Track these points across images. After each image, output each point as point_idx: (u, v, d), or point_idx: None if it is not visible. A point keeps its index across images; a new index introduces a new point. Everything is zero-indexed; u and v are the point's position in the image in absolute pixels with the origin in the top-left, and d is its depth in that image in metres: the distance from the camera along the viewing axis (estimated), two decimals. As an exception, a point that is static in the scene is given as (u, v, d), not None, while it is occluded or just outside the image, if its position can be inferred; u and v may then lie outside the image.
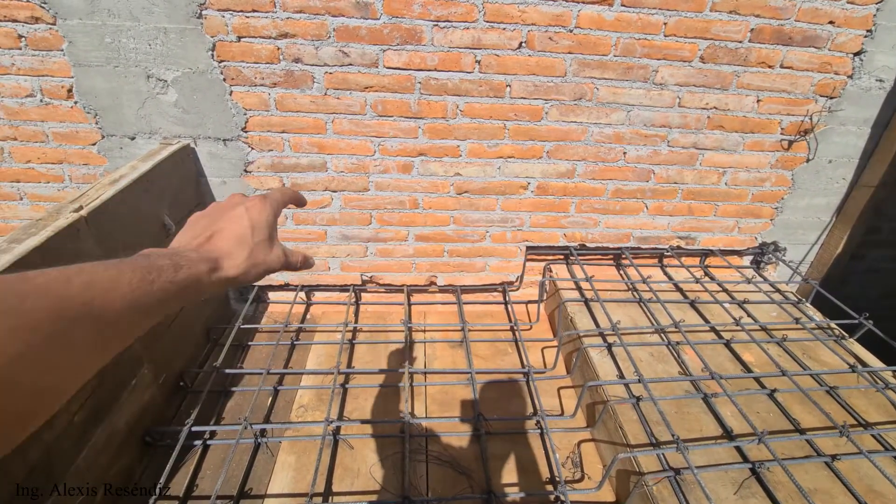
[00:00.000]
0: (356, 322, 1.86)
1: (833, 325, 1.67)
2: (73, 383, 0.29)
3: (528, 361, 1.63)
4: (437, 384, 1.57)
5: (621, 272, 1.94)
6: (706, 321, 1.67)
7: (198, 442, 1.33)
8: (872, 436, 1.26)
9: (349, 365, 1.64)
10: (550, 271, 1.94)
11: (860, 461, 1.18)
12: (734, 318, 1.64)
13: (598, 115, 1.62)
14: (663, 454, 1.16)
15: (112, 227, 1.20)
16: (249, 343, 1.73)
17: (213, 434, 1.36)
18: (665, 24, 1.47)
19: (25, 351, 0.25)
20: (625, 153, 1.71)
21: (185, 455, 1.30)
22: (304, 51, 1.44)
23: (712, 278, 1.92)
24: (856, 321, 1.60)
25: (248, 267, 0.43)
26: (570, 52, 1.49)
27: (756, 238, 1.97)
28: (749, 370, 1.47)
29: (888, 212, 1.89)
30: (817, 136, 1.71)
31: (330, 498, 1.22)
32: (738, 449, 1.20)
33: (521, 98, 1.57)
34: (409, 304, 1.91)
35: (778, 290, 1.87)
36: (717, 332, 1.62)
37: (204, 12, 1.36)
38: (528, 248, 1.92)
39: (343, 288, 1.94)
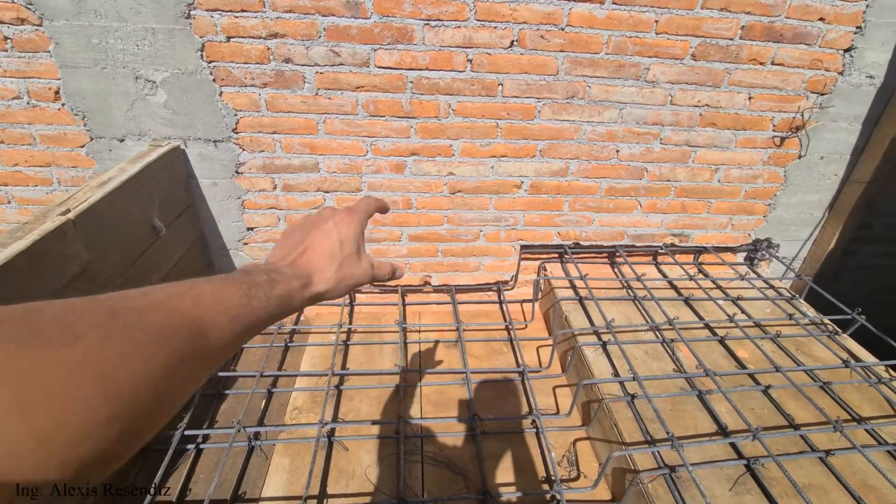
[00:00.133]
0: (350, 323, 1.85)
1: (826, 320, 1.68)
2: (181, 399, 0.29)
3: (524, 360, 1.62)
4: (432, 384, 1.56)
5: (616, 270, 1.94)
6: (700, 318, 1.67)
7: (191, 446, 1.32)
8: (866, 430, 1.26)
9: (343, 366, 1.63)
10: (545, 270, 1.94)
11: (854, 456, 1.18)
12: (728, 315, 1.64)
13: (590, 113, 1.62)
14: (658, 452, 1.16)
15: (100, 230, 1.19)
16: (242, 345, 1.72)
17: (206, 438, 1.35)
18: (656, 21, 1.47)
19: (144, 368, 0.25)
20: (618, 151, 1.71)
21: (177, 459, 1.29)
22: (295, 51, 1.43)
23: (706, 275, 1.93)
24: (849, 316, 1.61)
25: (337, 282, 0.44)
26: (561, 51, 1.49)
27: (749, 235, 1.98)
28: (743, 366, 1.47)
29: (879, 208, 1.90)
30: (809, 133, 1.71)
31: (325, 500, 1.21)
32: (733, 445, 1.20)
33: (514, 97, 1.56)
34: (404, 305, 1.90)
35: (771, 287, 1.88)
36: (711, 329, 1.63)
37: (192, 12, 1.35)
38: (523, 247, 1.91)
39: (337, 289, 1.92)
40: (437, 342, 1.76)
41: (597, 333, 1.56)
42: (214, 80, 1.46)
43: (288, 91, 1.49)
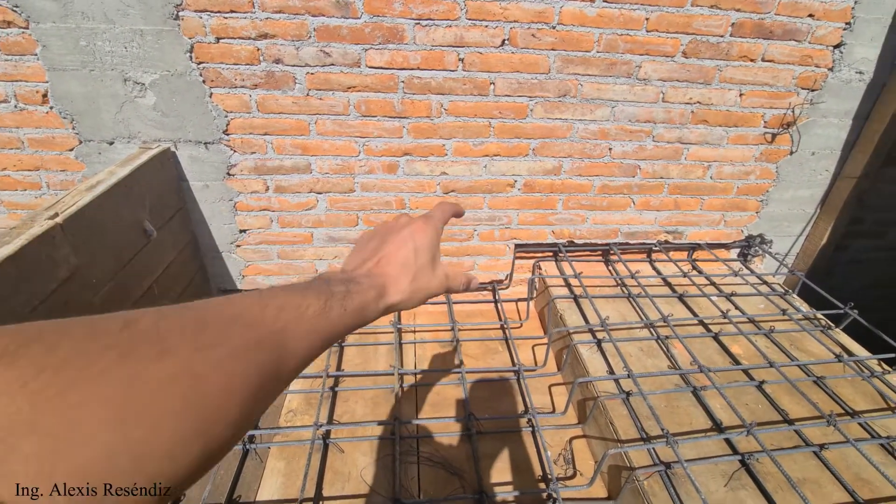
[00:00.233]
0: (345, 324, 1.84)
1: (819, 315, 1.69)
2: (260, 411, 0.28)
3: (519, 359, 1.62)
4: (428, 385, 1.56)
5: (610, 268, 1.94)
6: (694, 315, 1.68)
7: (185, 450, 1.31)
8: (859, 424, 1.27)
9: (338, 368, 1.63)
10: (539, 269, 1.94)
11: (847, 450, 1.19)
12: (722, 311, 1.65)
13: (582, 111, 1.62)
14: (654, 448, 1.16)
15: (89, 233, 1.18)
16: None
17: (200, 442, 1.33)
18: (647, 19, 1.47)
19: (229, 382, 0.25)
20: (610, 149, 1.71)
21: (171, 464, 1.27)
22: (285, 51, 1.42)
23: (700, 272, 1.93)
24: (841, 311, 1.62)
25: (412, 293, 0.43)
26: (553, 49, 1.49)
27: (742, 231, 1.99)
28: (737, 362, 1.48)
29: (871, 203, 1.91)
30: (800, 129, 1.72)
31: (320, 502, 1.20)
32: (728, 441, 1.21)
33: (506, 96, 1.56)
34: (399, 305, 1.90)
35: (765, 283, 1.89)
36: (705, 326, 1.63)
37: (181, 13, 1.34)
38: (517, 245, 1.91)
39: (331, 290, 1.92)
40: (432, 342, 1.75)
41: (591, 331, 1.57)
42: (204, 82, 1.45)
43: (279, 92, 1.48)
